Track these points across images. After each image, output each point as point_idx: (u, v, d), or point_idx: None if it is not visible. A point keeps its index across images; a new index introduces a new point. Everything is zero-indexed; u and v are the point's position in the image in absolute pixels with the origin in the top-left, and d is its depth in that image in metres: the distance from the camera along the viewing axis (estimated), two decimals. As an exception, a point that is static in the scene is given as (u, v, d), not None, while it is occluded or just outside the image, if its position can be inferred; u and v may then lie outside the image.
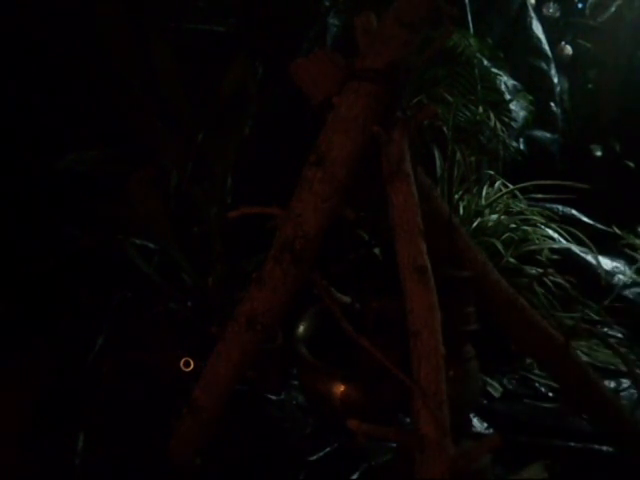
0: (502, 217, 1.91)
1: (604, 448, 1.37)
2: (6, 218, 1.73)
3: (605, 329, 1.93)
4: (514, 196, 2.02)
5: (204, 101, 1.69)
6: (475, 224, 1.88)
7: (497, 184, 2.04)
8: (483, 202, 1.94)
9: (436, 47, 1.15)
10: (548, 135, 2.63)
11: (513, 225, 1.92)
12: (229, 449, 1.32)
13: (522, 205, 1.99)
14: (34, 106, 1.80)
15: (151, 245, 1.65)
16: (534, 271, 1.82)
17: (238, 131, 1.69)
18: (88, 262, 1.69)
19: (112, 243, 1.62)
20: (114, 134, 1.72)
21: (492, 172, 2.09)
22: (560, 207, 2.25)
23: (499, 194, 1.99)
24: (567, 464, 1.35)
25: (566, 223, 2.04)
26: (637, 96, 2.73)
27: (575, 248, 2.06)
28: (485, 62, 2.19)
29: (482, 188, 2.00)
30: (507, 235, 1.87)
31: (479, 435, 1.39)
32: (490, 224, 1.89)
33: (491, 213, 1.92)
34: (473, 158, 1.97)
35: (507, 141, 2.14)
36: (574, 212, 2.32)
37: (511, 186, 2.04)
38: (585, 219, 2.34)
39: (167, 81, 1.66)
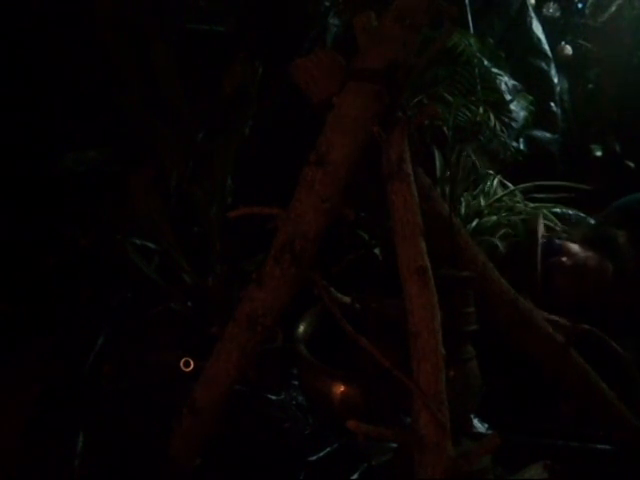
0: (502, 216, 1.91)
1: (605, 448, 1.37)
2: (6, 218, 1.73)
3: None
4: (514, 196, 2.02)
5: (204, 101, 1.69)
6: (474, 224, 1.87)
7: (495, 183, 2.04)
8: (482, 202, 1.93)
9: (436, 47, 1.15)
10: (548, 135, 2.63)
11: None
12: (229, 449, 1.32)
13: (521, 205, 1.99)
14: (34, 106, 1.80)
15: (151, 245, 1.65)
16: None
17: (238, 131, 1.69)
18: (88, 262, 1.69)
19: (112, 243, 1.62)
20: (114, 134, 1.72)
21: (492, 172, 2.08)
22: (562, 207, 2.25)
23: (499, 195, 1.99)
24: (567, 464, 1.35)
25: (569, 223, 2.04)
26: (637, 96, 2.72)
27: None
28: (485, 62, 2.19)
29: (481, 188, 2.00)
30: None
31: (479, 435, 1.39)
32: (490, 224, 1.88)
33: (490, 213, 1.92)
34: (473, 158, 1.97)
35: (507, 141, 2.14)
36: (578, 213, 2.32)
37: (511, 186, 2.04)
38: (590, 220, 2.34)
39: (167, 81, 1.66)
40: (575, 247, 1.72)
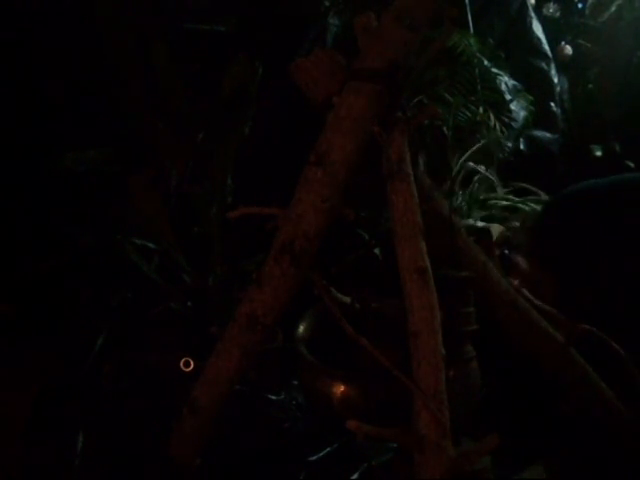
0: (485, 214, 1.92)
1: (604, 448, 1.37)
2: (6, 218, 1.73)
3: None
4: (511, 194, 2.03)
5: (204, 101, 1.69)
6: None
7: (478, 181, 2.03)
8: (463, 201, 1.93)
9: (436, 47, 1.15)
10: (548, 135, 2.63)
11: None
12: (229, 449, 1.32)
13: (520, 205, 1.99)
14: (34, 106, 1.80)
15: (151, 245, 1.65)
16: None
17: (238, 131, 1.69)
18: (88, 262, 1.69)
19: (112, 243, 1.62)
20: (114, 134, 1.73)
21: (481, 170, 2.08)
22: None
23: (496, 194, 2.00)
24: (567, 464, 1.35)
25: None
26: (637, 96, 2.72)
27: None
28: (485, 62, 2.19)
29: (470, 187, 2.00)
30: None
31: (479, 436, 1.39)
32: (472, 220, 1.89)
33: (474, 211, 1.92)
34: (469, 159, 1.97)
35: (502, 141, 2.13)
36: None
37: (497, 182, 2.04)
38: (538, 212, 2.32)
39: (167, 81, 1.66)
40: (522, 262, 1.69)
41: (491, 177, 2.04)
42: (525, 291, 1.48)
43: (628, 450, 1.31)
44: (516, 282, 1.60)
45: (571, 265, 1.63)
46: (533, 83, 2.51)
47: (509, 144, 2.23)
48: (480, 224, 1.82)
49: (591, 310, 1.56)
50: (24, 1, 1.83)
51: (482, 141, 2.01)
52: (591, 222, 1.65)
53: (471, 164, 1.99)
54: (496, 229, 1.79)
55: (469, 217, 1.88)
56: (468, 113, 2.05)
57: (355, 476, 1.34)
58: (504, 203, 1.98)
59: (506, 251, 1.69)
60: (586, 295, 1.59)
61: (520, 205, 1.99)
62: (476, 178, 2.00)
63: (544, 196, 2.09)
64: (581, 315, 1.49)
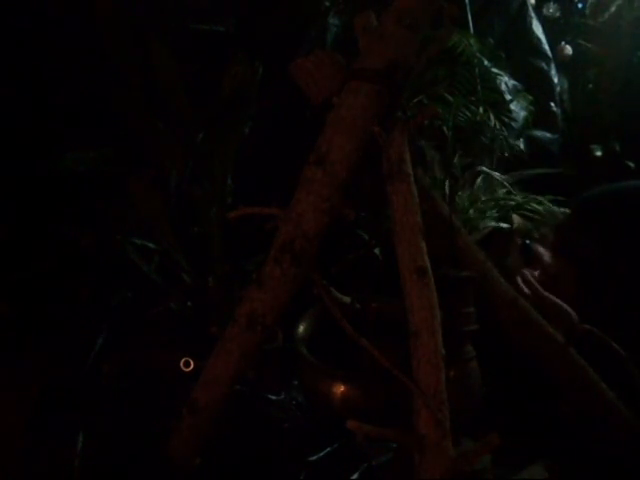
0: (488, 213, 1.91)
1: (604, 448, 1.37)
2: (5, 218, 1.73)
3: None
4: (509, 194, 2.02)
5: (204, 101, 1.69)
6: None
7: (479, 181, 2.03)
8: (466, 202, 1.93)
9: (436, 47, 1.15)
10: (548, 135, 2.63)
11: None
12: (229, 449, 1.32)
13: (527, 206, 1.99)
14: (34, 106, 1.80)
15: (151, 245, 1.65)
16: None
17: (238, 131, 1.69)
18: (88, 262, 1.69)
19: (112, 243, 1.62)
20: (114, 134, 1.72)
21: (485, 169, 2.08)
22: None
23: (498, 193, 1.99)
24: (567, 464, 1.35)
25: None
26: (637, 96, 2.72)
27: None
28: (485, 62, 2.19)
29: (475, 186, 2.00)
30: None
31: (479, 436, 1.39)
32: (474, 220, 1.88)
33: (477, 211, 1.91)
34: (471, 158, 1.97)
35: (510, 141, 2.13)
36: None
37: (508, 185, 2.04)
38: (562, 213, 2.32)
39: (167, 81, 1.66)
40: (546, 255, 1.69)
41: (504, 182, 2.03)
42: (531, 277, 1.48)
43: (628, 450, 1.31)
44: (536, 272, 1.61)
45: (597, 264, 1.63)
46: (533, 83, 2.50)
47: (517, 143, 2.23)
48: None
49: (610, 311, 1.56)
50: (24, 1, 1.83)
51: (492, 142, 2.01)
52: (623, 224, 1.65)
53: (484, 169, 2.00)
54: (515, 218, 1.79)
55: (484, 217, 1.88)
56: (468, 113, 2.05)
57: (355, 476, 1.34)
58: (511, 203, 1.97)
59: (527, 241, 1.69)
60: (608, 296, 1.60)
61: (527, 206, 1.98)
62: (479, 178, 2.00)
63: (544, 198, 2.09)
64: (598, 314, 1.50)
